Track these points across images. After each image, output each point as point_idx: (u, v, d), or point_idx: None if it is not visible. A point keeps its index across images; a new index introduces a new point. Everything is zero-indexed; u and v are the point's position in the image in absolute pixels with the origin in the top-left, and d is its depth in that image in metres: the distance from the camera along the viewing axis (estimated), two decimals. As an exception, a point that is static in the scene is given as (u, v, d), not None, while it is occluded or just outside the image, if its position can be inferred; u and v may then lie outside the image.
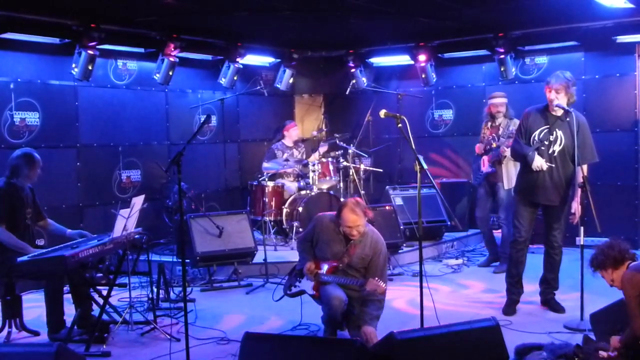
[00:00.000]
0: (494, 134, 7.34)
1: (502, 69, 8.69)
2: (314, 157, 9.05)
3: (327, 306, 4.93)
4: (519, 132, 5.79)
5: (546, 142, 5.58)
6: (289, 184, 8.77)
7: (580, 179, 5.35)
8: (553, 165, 5.59)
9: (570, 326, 5.26)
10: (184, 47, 8.20)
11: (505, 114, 7.34)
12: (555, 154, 5.58)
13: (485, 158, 7.37)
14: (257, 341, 3.89)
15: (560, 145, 5.57)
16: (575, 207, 5.53)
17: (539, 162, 5.56)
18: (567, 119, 5.54)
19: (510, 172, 7.13)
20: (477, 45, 8.94)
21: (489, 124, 7.44)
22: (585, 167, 5.55)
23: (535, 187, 5.65)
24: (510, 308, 5.82)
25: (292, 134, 9.10)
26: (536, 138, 5.60)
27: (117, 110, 8.24)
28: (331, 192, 8.47)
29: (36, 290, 5.60)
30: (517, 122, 6.75)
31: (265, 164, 8.89)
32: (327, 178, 8.59)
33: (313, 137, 10.07)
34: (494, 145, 7.26)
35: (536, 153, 5.57)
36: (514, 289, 5.88)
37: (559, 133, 5.57)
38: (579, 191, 5.46)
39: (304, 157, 9.11)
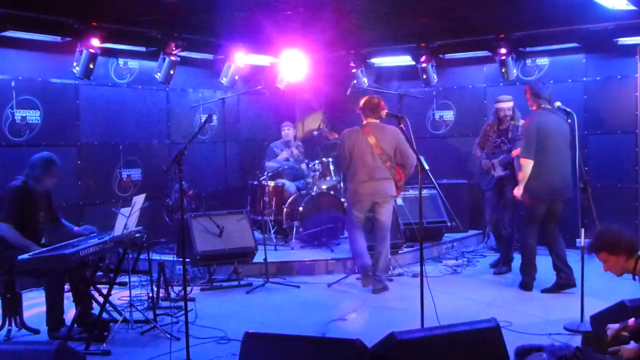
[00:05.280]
0: (503, 138, 7.32)
1: (503, 70, 8.68)
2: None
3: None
4: None
5: None
6: (289, 183, 8.78)
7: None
8: None
9: (571, 328, 5.27)
10: (185, 46, 8.19)
11: (513, 117, 7.32)
12: None
13: (495, 161, 7.33)
14: (257, 341, 3.88)
15: None
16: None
17: None
18: None
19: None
20: (478, 46, 8.93)
21: (495, 126, 7.42)
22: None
23: None
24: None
25: (282, 133, 9.19)
26: None
27: (117, 108, 8.24)
28: (331, 192, 8.47)
29: (36, 288, 5.60)
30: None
31: (267, 163, 8.93)
32: (328, 178, 8.59)
33: (314, 137, 10.06)
34: (505, 148, 7.25)
35: None
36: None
37: None
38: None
39: (302, 156, 9.12)
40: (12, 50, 7.11)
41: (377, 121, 6.54)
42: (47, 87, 7.45)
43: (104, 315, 5.34)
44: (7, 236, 5.26)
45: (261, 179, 8.55)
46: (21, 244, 5.24)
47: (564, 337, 5.06)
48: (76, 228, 5.71)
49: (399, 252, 7.74)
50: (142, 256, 5.74)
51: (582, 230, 5.38)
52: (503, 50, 8.50)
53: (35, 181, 5.45)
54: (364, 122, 6.59)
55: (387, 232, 6.63)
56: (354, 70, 9.74)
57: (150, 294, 5.83)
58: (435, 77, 9.34)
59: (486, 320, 4.07)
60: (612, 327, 3.93)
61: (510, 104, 7.36)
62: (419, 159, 4.77)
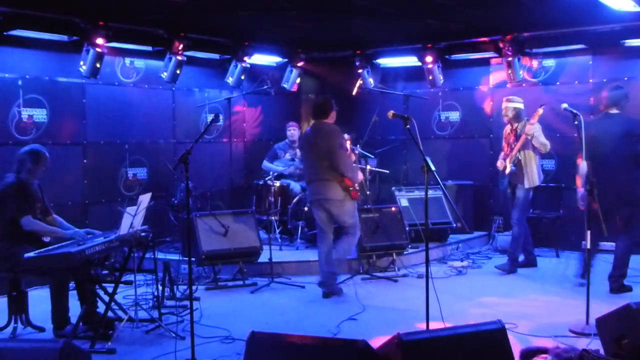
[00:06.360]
0: (514, 137, 7.33)
1: (509, 72, 8.67)
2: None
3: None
4: None
5: None
6: (294, 183, 8.78)
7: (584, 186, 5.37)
8: None
9: (576, 330, 5.25)
10: (191, 46, 8.20)
11: (516, 117, 7.29)
12: None
13: (507, 160, 7.33)
14: (263, 340, 3.88)
15: None
16: None
17: None
18: None
19: (531, 172, 7.14)
20: (485, 47, 8.91)
21: (509, 128, 7.43)
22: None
23: None
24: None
25: (287, 133, 9.22)
26: None
27: (124, 108, 8.26)
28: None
29: (42, 286, 5.61)
30: (533, 122, 6.81)
31: (265, 163, 8.98)
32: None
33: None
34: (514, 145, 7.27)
35: None
36: None
37: None
38: None
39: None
40: (19, 49, 7.13)
41: (326, 121, 6.65)
42: (53, 86, 7.46)
43: (109, 313, 5.35)
44: (34, 228, 5.31)
45: (266, 178, 8.56)
46: (49, 231, 5.34)
47: (570, 340, 5.05)
48: (70, 231, 5.63)
49: (404, 253, 7.73)
50: (147, 255, 5.78)
51: (588, 232, 5.36)
52: (509, 52, 8.48)
53: (28, 174, 5.46)
54: (312, 123, 6.81)
55: (349, 231, 6.60)
56: (360, 71, 9.72)
57: (156, 293, 5.85)
58: (441, 78, 9.32)
59: (491, 322, 4.06)
60: None
61: (507, 104, 7.32)
62: (425, 160, 4.77)
